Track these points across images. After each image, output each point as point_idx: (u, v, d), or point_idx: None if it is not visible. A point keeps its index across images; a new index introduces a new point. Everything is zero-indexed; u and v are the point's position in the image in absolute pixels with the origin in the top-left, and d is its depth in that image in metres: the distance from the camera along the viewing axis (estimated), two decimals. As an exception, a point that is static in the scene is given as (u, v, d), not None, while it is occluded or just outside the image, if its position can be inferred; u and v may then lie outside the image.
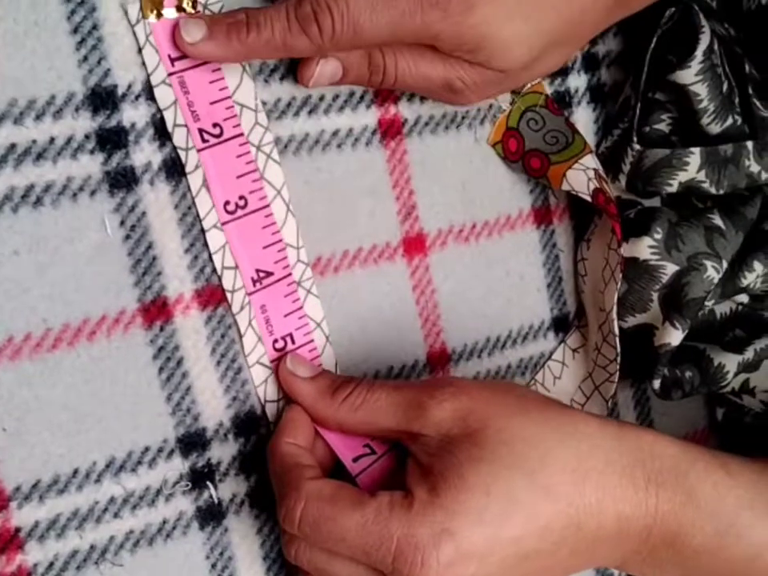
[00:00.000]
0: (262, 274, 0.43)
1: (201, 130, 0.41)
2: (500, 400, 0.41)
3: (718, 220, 0.51)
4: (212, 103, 0.41)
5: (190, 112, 0.41)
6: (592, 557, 0.41)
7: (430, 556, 0.36)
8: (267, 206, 0.43)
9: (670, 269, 0.50)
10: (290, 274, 0.44)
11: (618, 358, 0.50)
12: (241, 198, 0.42)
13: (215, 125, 0.41)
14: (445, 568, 0.36)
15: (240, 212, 0.42)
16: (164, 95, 0.40)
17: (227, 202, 0.42)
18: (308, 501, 0.38)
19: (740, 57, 0.51)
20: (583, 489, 0.39)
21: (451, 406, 0.40)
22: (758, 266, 0.51)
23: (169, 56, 0.40)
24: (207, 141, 0.41)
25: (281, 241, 0.43)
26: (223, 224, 0.42)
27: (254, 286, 0.43)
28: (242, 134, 0.42)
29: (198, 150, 0.41)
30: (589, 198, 0.47)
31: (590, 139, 0.53)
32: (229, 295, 0.42)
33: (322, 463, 0.42)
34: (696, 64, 0.48)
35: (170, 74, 0.40)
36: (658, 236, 0.50)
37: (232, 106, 0.42)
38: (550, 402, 0.42)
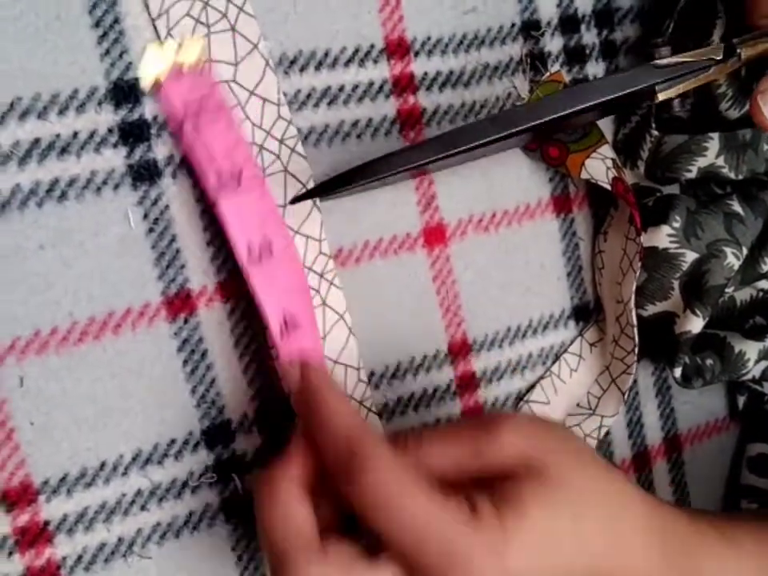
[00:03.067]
0: (288, 318, 0.42)
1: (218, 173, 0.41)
2: (563, 453, 0.41)
3: (736, 206, 0.51)
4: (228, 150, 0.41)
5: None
6: None
7: (481, 562, 0.35)
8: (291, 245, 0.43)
9: (690, 256, 0.50)
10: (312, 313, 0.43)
11: (636, 349, 0.49)
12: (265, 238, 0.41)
13: (233, 172, 0.41)
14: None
15: (264, 258, 0.41)
16: None
17: (250, 247, 0.41)
18: (383, 467, 0.35)
19: None
20: (624, 551, 0.40)
21: (514, 448, 0.39)
22: (779, 251, 0.51)
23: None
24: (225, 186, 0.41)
25: (308, 289, 0.43)
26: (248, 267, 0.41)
27: (282, 337, 0.41)
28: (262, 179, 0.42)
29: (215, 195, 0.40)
30: (608, 187, 0.47)
31: (609, 126, 0.53)
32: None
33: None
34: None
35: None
36: (676, 224, 0.49)
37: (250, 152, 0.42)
38: (597, 456, 0.42)
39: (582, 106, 0.41)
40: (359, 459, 0.36)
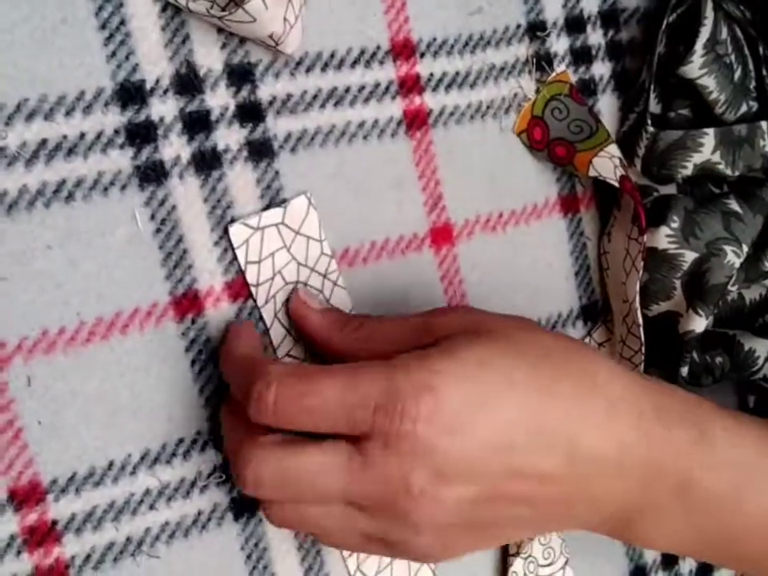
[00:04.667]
0: None
1: None
2: (510, 321, 0.39)
3: (734, 205, 0.51)
4: None
5: None
6: (584, 492, 0.38)
7: (410, 407, 0.34)
8: None
9: (689, 256, 0.49)
10: None
11: (643, 348, 0.49)
12: None
13: None
14: (424, 423, 0.34)
15: None
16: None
17: None
18: (279, 381, 0.36)
19: (755, 39, 0.51)
20: (587, 400, 0.37)
21: (458, 319, 0.39)
22: (781, 250, 0.51)
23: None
24: None
25: None
26: None
27: None
28: None
29: None
30: (616, 184, 0.47)
31: (615, 127, 0.53)
32: (253, 289, 0.43)
33: None
34: (697, 58, 0.48)
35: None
36: (675, 224, 0.49)
37: None
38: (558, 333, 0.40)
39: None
40: (258, 367, 0.37)
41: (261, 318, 0.43)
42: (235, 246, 0.42)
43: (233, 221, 0.42)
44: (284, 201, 0.43)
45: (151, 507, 0.41)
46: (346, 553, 0.45)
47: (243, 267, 0.42)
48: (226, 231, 0.42)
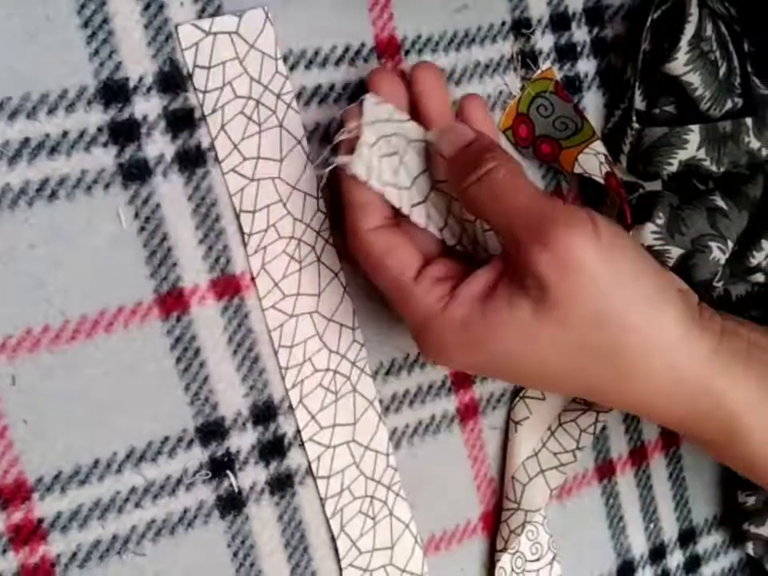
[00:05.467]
0: None
1: None
2: None
3: (719, 201, 0.51)
4: None
5: None
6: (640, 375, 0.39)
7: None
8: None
9: (675, 252, 0.49)
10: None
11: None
12: None
13: None
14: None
15: None
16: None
17: None
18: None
19: (740, 35, 0.51)
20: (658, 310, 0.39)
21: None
22: (766, 245, 0.51)
23: None
24: None
25: None
26: None
27: None
28: None
29: None
30: (602, 181, 0.47)
31: (600, 124, 0.53)
32: (200, 95, 0.42)
33: None
34: (682, 54, 0.48)
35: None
36: (660, 221, 0.49)
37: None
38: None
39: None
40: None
41: (249, 314, 0.43)
42: (183, 47, 0.41)
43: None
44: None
45: (137, 505, 0.41)
46: (329, 512, 0.45)
47: (191, 70, 0.41)
48: (212, 229, 0.42)
